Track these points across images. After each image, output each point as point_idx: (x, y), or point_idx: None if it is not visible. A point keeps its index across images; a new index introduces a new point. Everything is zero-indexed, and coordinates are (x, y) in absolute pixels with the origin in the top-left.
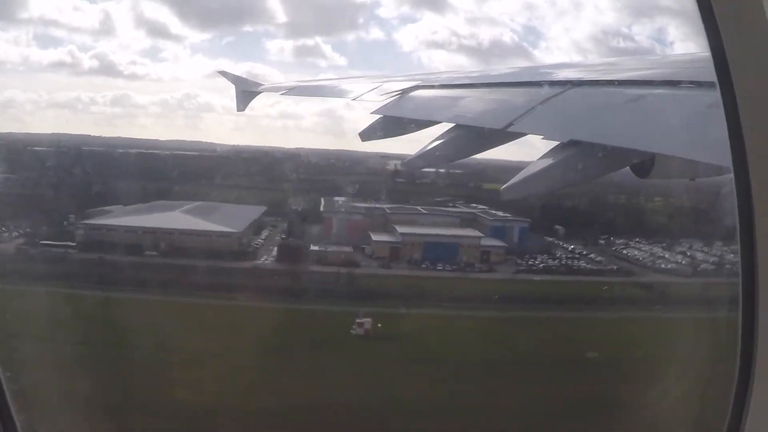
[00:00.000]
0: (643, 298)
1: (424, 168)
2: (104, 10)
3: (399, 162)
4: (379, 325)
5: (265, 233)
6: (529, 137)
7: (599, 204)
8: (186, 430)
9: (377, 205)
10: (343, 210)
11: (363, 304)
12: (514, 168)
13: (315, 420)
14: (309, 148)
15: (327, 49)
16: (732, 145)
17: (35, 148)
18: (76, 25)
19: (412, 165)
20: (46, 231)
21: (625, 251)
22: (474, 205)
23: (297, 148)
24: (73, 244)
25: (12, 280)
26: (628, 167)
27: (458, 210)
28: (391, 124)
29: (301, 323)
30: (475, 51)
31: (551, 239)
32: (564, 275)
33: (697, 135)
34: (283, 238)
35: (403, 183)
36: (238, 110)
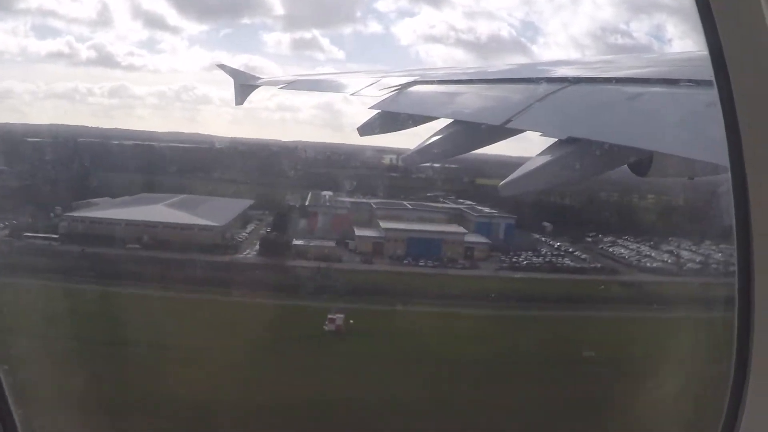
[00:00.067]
0: (624, 296)
1: (422, 164)
2: (102, 0)
3: (395, 156)
4: (351, 321)
5: (251, 227)
6: (527, 133)
7: (590, 201)
8: (147, 420)
9: (363, 200)
10: (328, 204)
11: (341, 300)
12: (511, 163)
13: (276, 415)
14: (306, 141)
15: (325, 42)
16: (729, 143)
17: (31, 139)
18: (73, 15)
19: (410, 161)
20: (32, 223)
21: (611, 249)
22: (461, 201)
23: (294, 141)
24: (57, 236)
25: None
26: (626, 165)
27: (444, 206)
28: (389, 119)
29: (275, 319)
30: (473, 45)
31: (538, 236)
32: (547, 273)
33: (694, 133)
34: (267, 233)
35: (397, 177)
36: (236, 104)
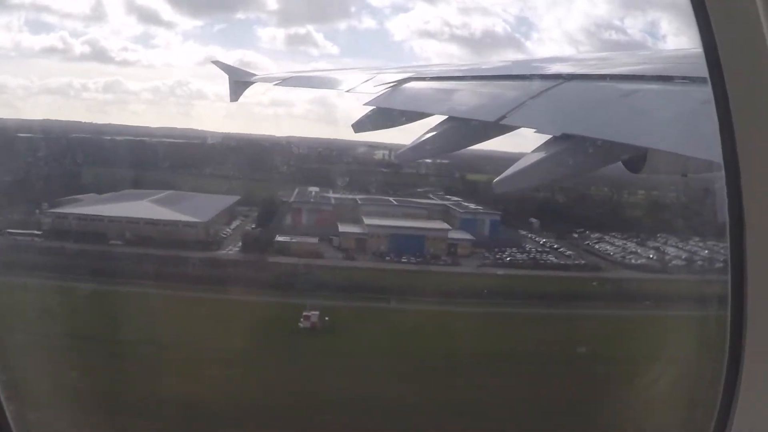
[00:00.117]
0: (607, 293)
1: (416, 160)
2: None
3: (387, 152)
4: (327, 318)
5: (236, 223)
6: (522, 130)
7: (579, 197)
8: (125, 414)
9: (349, 196)
10: (313, 200)
11: (320, 297)
12: (505, 159)
13: (243, 411)
14: (299, 137)
15: (319, 37)
16: (723, 140)
17: (23, 134)
18: (67, 10)
19: (404, 157)
20: (17, 219)
21: (597, 245)
22: (448, 197)
23: (287, 137)
24: (39, 232)
25: None
26: (620, 162)
27: (430, 202)
28: (384, 115)
29: (251, 316)
30: (468, 41)
31: (524, 232)
32: (530, 269)
33: (689, 130)
34: (251, 229)
35: (388, 173)
36: (231, 100)
